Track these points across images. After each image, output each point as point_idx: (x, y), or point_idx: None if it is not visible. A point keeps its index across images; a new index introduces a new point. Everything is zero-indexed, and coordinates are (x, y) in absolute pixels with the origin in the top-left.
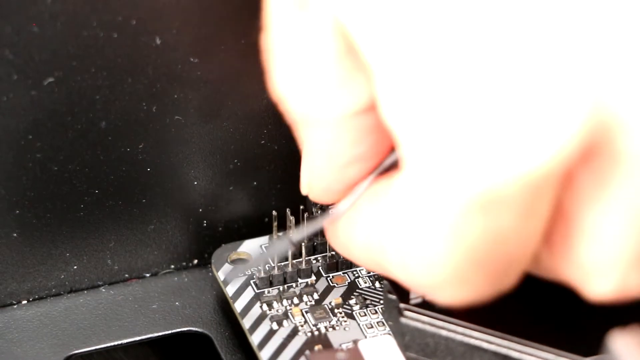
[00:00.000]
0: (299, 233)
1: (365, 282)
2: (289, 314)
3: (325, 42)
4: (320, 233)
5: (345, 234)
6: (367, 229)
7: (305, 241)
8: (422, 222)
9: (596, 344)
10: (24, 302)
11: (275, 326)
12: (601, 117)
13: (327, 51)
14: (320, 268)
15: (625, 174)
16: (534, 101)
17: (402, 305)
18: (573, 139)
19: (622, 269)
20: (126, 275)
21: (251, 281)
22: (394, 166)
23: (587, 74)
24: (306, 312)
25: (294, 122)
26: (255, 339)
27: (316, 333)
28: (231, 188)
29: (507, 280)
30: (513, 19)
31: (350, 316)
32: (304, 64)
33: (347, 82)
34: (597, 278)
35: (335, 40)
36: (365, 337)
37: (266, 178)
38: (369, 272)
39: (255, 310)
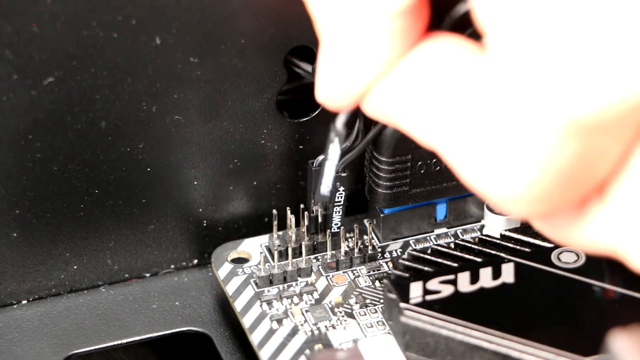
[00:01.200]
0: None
1: (365, 282)
2: (289, 313)
3: None
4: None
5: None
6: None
7: (306, 240)
8: (514, 138)
9: (596, 344)
10: (24, 302)
11: (275, 325)
12: None
13: None
14: (320, 267)
15: None
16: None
17: (402, 305)
18: None
19: None
20: (126, 275)
21: (251, 280)
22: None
23: None
24: (306, 311)
25: (320, 16)
26: (255, 338)
27: (316, 332)
28: (231, 188)
29: (579, 196)
30: None
31: (350, 315)
32: None
33: None
34: None
35: None
36: (365, 336)
37: (266, 178)
38: (369, 272)
39: (255, 310)
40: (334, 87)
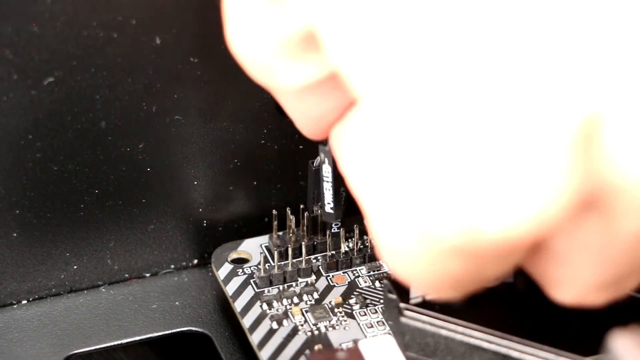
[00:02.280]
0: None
1: (365, 282)
2: (289, 313)
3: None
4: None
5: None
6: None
7: (306, 240)
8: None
9: (596, 344)
10: (24, 302)
11: (275, 325)
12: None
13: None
14: (320, 267)
15: (605, 224)
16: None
17: (402, 305)
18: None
19: (584, 291)
20: (126, 275)
21: (251, 280)
22: None
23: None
24: (306, 311)
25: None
26: (255, 338)
27: (316, 332)
28: (231, 188)
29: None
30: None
31: (350, 316)
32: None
33: (303, 56)
34: (558, 290)
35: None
36: (365, 336)
37: (266, 178)
38: (369, 272)
39: (255, 310)
40: (303, 129)
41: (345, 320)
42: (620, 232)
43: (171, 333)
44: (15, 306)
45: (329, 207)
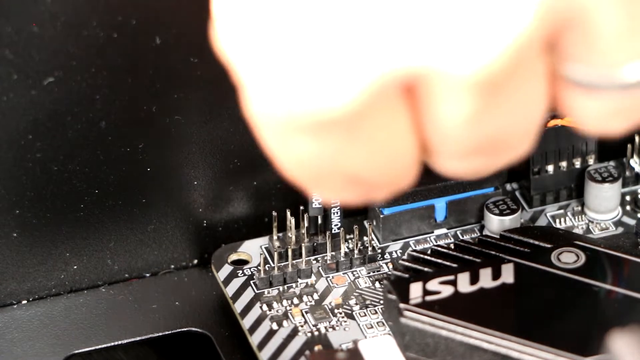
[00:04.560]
0: None
1: (365, 282)
2: (289, 314)
3: None
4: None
5: None
6: None
7: (306, 241)
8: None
9: (596, 344)
10: (24, 302)
11: (275, 326)
12: None
13: None
14: (320, 268)
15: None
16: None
17: (402, 305)
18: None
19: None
20: (126, 275)
21: (251, 281)
22: None
23: None
24: (306, 312)
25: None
26: (255, 339)
27: (316, 333)
28: (231, 188)
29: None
30: None
31: (350, 316)
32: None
33: None
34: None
35: None
36: (365, 337)
37: (266, 178)
38: (368, 273)
39: (255, 311)
40: None
41: (345, 321)
42: None
43: (171, 333)
44: (15, 306)
45: (316, 202)
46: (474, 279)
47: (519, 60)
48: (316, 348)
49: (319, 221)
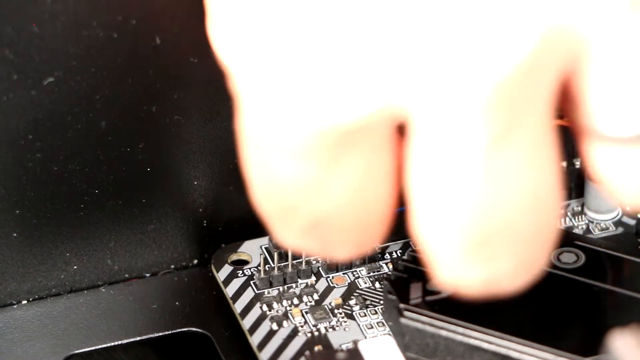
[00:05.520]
0: None
1: (365, 283)
2: (289, 314)
3: None
4: None
5: None
6: None
7: None
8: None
9: (596, 344)
10: (24, 302)
11: (275, 327)
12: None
13: None
14: (320, 268)
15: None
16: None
17: (402, 305)
18: None
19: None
20: (126, 275)
21: (251, 282)
22: None
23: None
24: (306, 312)
25: None
26: (255, 339)
27: (316, 333)
28: (231, 188)
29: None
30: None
31: (350, 316)
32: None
33: None
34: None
35: None
36: (365, 337)
37: None
38: (369, 273)
39: (255, 311)
40: None
41: (345, 321)
42: None
43: (171, 333)
44: (15, 306)
45: None
46: None
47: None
48: (316, 348)
49: None
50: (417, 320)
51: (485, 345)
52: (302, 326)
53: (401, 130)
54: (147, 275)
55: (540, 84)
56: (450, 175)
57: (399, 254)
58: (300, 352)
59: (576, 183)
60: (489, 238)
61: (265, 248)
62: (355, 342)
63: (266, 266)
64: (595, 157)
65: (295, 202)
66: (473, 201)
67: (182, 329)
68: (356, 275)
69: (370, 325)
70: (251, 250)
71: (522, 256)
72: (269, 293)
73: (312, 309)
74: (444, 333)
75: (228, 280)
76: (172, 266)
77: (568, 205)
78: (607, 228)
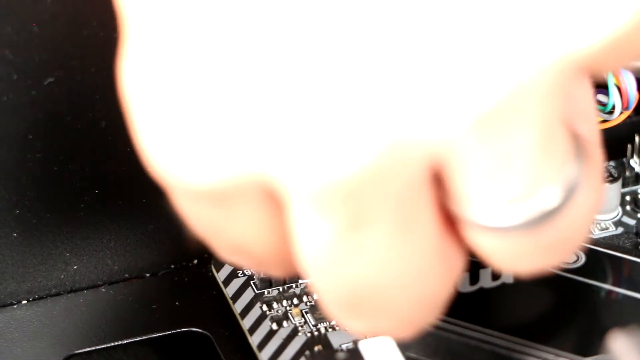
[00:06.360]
0: None
1: None
2: (289, 314)
3: None
4: None
5: None
6: None
7: None
8: None
9: (596, 344)
10: (24, 302)
11: (275, 327)
12: None
13: None
14: None
15: None
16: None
17: None
18: None
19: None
20: (126, 275)
21: (251, 282)
22: None
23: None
24: (306, 312)
25: None
26: (255, 339)
27: (316, 333)
28: None
29: None
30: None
31: None
32: None
33: None
34: None
35: None
36: (365, 337)
37: None
38: None
39: (255, 311)
40: None
41: None
42: None
43: (171, 333)
44: (15, 306)
45: None
46: (474, 279)
47: (390, 189)
48: (316, 348)
49: None
50: None
51: (485, 345)
52: (302, 326)
53: None
54: (147, 275)
55: (392, 184)
56: (304, 250)
57: None
58: (300, 352)
59: None
60: (358, 301)
61: None
62: (355, 342)
63: None
64: (475, 241)
65: (214, 231)
66: (327, 273)
67: (182, 329)
68: None
69: None
70: None
71: (402, 316)
72: (269, 293)
73: (312, 309)
74: (444, 333)
75: (228, 280)
76: (172, 266)
77: None
78: (607, 228)
